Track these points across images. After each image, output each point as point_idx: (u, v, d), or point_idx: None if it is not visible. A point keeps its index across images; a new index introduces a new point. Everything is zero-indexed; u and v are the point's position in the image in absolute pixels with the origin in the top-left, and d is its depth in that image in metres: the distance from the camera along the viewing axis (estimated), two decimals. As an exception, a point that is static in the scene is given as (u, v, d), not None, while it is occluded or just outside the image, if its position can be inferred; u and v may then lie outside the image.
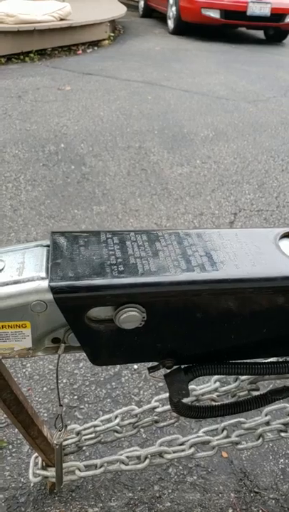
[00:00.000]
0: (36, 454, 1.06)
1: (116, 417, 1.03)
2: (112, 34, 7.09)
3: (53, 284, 0.56)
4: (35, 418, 0.91)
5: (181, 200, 2.54)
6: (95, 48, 6.53)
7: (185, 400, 0.75)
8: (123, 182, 2.71)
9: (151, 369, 0.69)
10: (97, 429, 1.03)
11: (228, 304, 0.62)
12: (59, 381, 1.42)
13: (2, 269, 0.61)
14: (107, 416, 1.04)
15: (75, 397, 1.37)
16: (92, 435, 1.03)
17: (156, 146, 3.23)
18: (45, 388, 1.39)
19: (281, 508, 1.11)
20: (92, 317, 0.60)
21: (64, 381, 1.42)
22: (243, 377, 0.93)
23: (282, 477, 1.18)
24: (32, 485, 1.13)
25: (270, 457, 1.22)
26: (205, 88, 4.77)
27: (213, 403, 0.90)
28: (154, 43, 7.06)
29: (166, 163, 2.99)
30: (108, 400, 1.36)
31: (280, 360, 0.73)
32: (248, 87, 4.94)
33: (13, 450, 1.21)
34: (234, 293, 0.61)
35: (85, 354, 0.65)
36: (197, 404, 0.91)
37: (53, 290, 0.56)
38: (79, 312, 0.58)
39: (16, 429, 1.21)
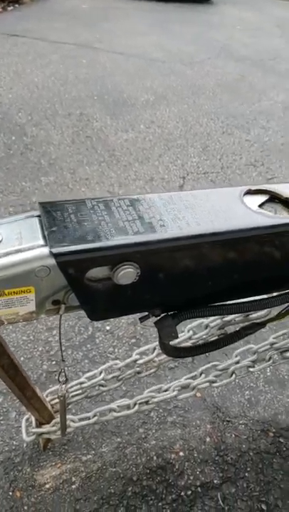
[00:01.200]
0: (27, 416, 1.13)
1: (100, 372, 1.11)
2: (34, -10, 6.65)
3: (54, 249, 0.61)
4: (29, 380, 0.96)
5: (130, 166, 2.58)
6: (16, 5, 6.11)
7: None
8: (69, 150, 2.69)
9: (141, 319, 0.77)
10: (84, 385, 1.11)
11: (207, 255, 0.71)
12: (35, 350, 1.48)
13: (1, 241, 0.65)
14: (91, 373, 1.12)
15: (53, 362, 1.43)
16: (79, 391, 1.11)
17: (97, 112, 3.20)
18: (22, 358, 1.44)
19: (250, 430, 1.28)
20: (91, 277, 0.66)
21: (40, 349, 1.47)
22: (212, 325, 1.04)
23: (248, 405, 1.35)
24: (25, 445, 1.20)
25: (237, 391, 1.38)
26: (139, 50, 4.71)
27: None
28: (80, 1, 6.75)
29: (110, 129, 2.99)
30: (86, 361, 1.44)
31: (249, 299, 0.84)
32: (182, 49, 4.95)
33: (0, 418, 1.27)
34: (212, 245, 0.70)
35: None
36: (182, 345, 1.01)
37: (55, 255, 0.61)
38: (79, 274, 0.64)
39: (0, 399, 1.26)
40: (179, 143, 2.92)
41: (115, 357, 1.47)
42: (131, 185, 2.41)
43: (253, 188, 0.81)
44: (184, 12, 6.89)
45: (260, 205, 0.80)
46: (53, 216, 0.67)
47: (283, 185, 0.84)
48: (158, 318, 0.77)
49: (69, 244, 0.62)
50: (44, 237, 0.65)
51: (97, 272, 0.67)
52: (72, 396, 1.12)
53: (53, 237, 0.63)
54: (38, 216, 0.69)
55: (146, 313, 0.77)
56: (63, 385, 0.88)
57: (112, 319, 1.58)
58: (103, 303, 0.71)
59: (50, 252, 0.61)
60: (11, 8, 5.89)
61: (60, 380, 0.87)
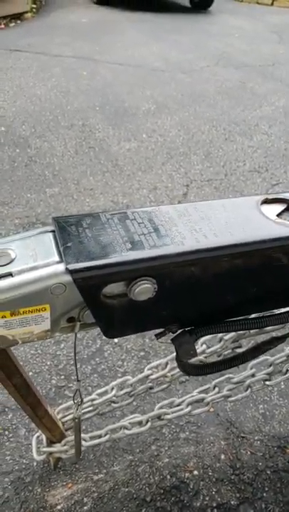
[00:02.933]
0: (38, 434, 1.10)
1: (112, 388, 1.08)
2: (34, 6, 6.73)
3: (70, 266, 0.58)
4: (41, 399, 0.93)
5: (134, 175, 2.57)
6: (18, 21, 6.19)
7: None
8: (72, 161, 2.68)
9: (158, 335, 0.74)
10: (95, 402, 1.07)
11: (226, 267, 0.68)
12: (43, 364, 1.44)
13: (14, 258, 0.62)
14: (103, 389, 1.09)
15: (62, 377, 1.40)
16: (91, 408, 1.07)
17: (99, 122, 3.20)
18: (30, 372, 1.41)
19: (266, 447, 1.24)
20: (107, 293, 0.64)
21: (48, 363, 1.44)
22: (226, 338, 1.01)
23: (263, 420, 1.31)
24: (35, 464, 1.16)
25: (251, 405, 1.34)
26: (139, 60, 4.74)
27: (213, 360, 0.98)
28: (80, 15, 6.82)
29: (112, 139, 2.98)
30: (95, 375, 1.41)
31: (269, 313, 0.82)
32: (181, 57, 4.97)
33: (10, 436, 1.23)
34: (231, 258, 0.67)
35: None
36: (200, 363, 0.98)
37: (71, 271, 0.58)
38: (95, 290, 0.62)
39: (10, 415, 1.23)
40: (182, 151, 2.91)
41: (124, 370, 1.44)
42: (135, 195, 2.40)
43: (270, 196, 0.79)
44: (181, 22, 6.94)
45: (279, 215, 0.78)
46: (67, 231, 0.65)
47: None
48: (175, 334, 0.74)
49: (85, 260, 0.60)
50: (59, 253, 0.62)
51: (113, 288, 0.64)
52: (84, 413, 1.09)
53: (69, 252, 0.60)
54: (52, 231, 0.67)
55: (163, 329, 0.74)
56: (78, 406, 0.85)
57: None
58: (119, 319, 0.68)
59: (66, 268, 0.59)
60: (13, 24, 5.96)
61: (75, 401, 0.83)
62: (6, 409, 1.29)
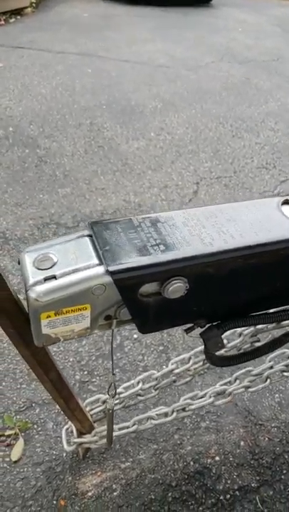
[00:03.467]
0: (67, 426, 1.16)
1: (138, 382, 1.13)
2: (34, 0, 6.71)
3: (111, 268, 0.64)
4: (73, 392, 0.99)
5: (144, 174, 2.61)
6: (18, 17, 6.19)
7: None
8: (82, 161, 2.72)
9: (187, 330, 0.80)
10: (122, 395, 1.13)
11: (251, 266, 0.73)
12: (66, 361, 1.50)
13: (56, 262, 0.68)
14: (128, 383, 1.14)
15: (85, 372, 1.46)
16: (118, 401, 1.13)
17: (107, 121, 3.24)
18: (54, 368, 1.47)
19: (283, 433, 1.30)
20: (143, 292, 0.69)
21: (71, 360, 1.50)
22: (245, 333, 1.07)
23: (279, 408, 1.37)
24: (65, 454, 1.23)
25: (267, 394, 1.40)
26: (144, 57, 4.76)
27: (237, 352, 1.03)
28: (81, 9, 6.81)
29: (121, 138, 3.02)
30: (116, 370, 1.47)
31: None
32: (185, 54, 4.99)
33: (39, 429, 1.29)
34: (257, 256, 0.72)
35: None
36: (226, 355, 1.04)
37: (112, 273, 0.64)
38: (133, 289, 0.67)
39: (37, 410, 1.29)
40: (190, 149, 2.95)
41: (145, 364, 1.50)
42: (146, 193, 2.45)
43: (290, 197, 0.84)
44: (184, 16, 6.93)
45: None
46: (104, 235, 0.70)
47: None
48: (203, 329, 0.79)
49: (124, 262, 0.65)
50: (98, 256, 0.67)
51: (148, 288, 0.69)
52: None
53: (108, 255, 0.66)
54: (88, 236, 0.72)
55: (192, 324, 0.80)
56: (112, 398, 0.91)
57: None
58: (153, 316, 0.73)
59: (107, 270, 0.64)
60: (13, 19, 5.96)
61: (110, 393, 0.89)
62: (34, 404, 1.35)
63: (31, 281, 0.65)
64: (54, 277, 0.65)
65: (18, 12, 6.10)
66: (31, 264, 0.68)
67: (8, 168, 2.57)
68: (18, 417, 1.31)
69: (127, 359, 1.51)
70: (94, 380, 1.44)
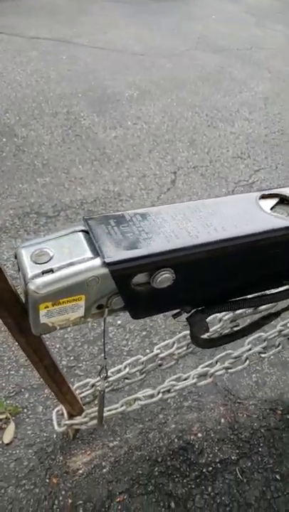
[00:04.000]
0: (57, 408, 1.21)
1: (125, 367, 1.19)
2: (7, -16, 6.51)
3: (108, 259, 0.69)
4: (65, 377, 1.05)
5: (122, 163, 2.65)
6: (-9, 0, 6.01)
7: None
8: (60, 150, 2.73)
9: (175, 315, 0.86)
10: (110, 379, 1.19)
11: (233, 256, 0.80)
12: (53, 347, 1.55)
13: (53, 256, 0.72)
14: (116, 367, 1.20)
15: (72, 357, 1.52)
16: (106, 384, 1.19)
17: (84, 110, 3.24)
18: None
19: (259, 410, 1.40)
20: (135, 282, 0.75)
21: (58, 346, 1.55)
22: (225, 318, 1.14)
23: (256, 387, 1.47)
24: (55, 436, 1.28)
25: (245, 374, 1.50)
26: (119, 44, 4.72)
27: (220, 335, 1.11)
28: (55, -6, 6.67)
29: (98, 127, 3.03)
30: (102, 354, 1.53)
31: (267, 293, 0.95)
32: (160, 42, 4.98)
33: (29, 413, 1.35)
34: (237, 247, 0.79)
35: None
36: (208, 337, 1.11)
37: (109, 264, 0.69)
38: (127, 279, 0.73)
39: (26, 395, 1.34)
40: (167, 138, 2.99)
41: (129, 349, 1.57)
42: (125, 183, 2.48)
43: (266, 192, 0.91)
44: (158, 2, 6.87)
45: (273, 207, 0.90)
46: (99, 229, 0.75)
47: None
48: (189, 314, 0.86)
49: (119, 254, 0.70)
50: (92, 249, 0.72)
51: (139, 278, 0.75)
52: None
53: (104, 248, 0.71)
54: (81, 231, 0.77)
55: (178, 310, 0.86)
56: (104, 380, 0.97)
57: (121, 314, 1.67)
58: (144, 304, 0.79)
59: (104, 262, 0.69)
60: (-16, 2, 5.78)
61: (101, 375, 0.95)
62: (22, 390, 1.40)
63: (30, 274, 0.69)
64: (51, 271, 0.70)
65: (-12, -6, 5.90)
66: (29, 258, 0.72)
67: (-15, 158, 2.55)
68: (8, 402, 1.35)
69: (112, 344, 1.57)
70: (80, 365, 1.50)
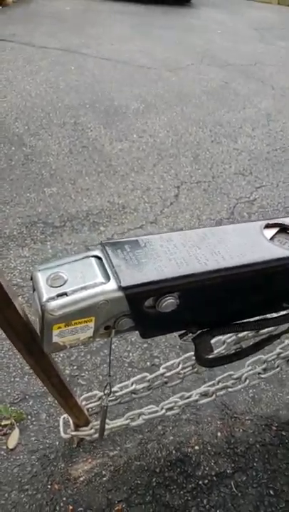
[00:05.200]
0: (64, 416, 1.26)
1: (132, 383, 1.24)
2: (16, -10, 6.62)
3: (124, 284, 0.74)
4: (72, 392, 1.09)
5: (127, 176, 2.71)
6: (0, 7, 6.11)
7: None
8: (67, 161, 2.79)
9: (181, 336, 0.91)
10: (117, 394, 1.23)
11: (238, 282, 0.85)
12: (57, 356, 1.60)
13: (67, 280, 0.77)
14: (124, 383, 1.25)
15: (75, 367, 1.56)
16: (113, 398, 1.24)
17: (91, 121, 3.31)
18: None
19: (256, 425, 1.45)
20: (147, 305, 0.80)
21: (61, 355, 1.60)
22: (228, 340, 1.19)
23: (252, 403, 1.52)
24: (58, 443, 1.33)
25: (242, 390, 1.54)
26: (125, 56, 4.82)
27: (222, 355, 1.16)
28: (63, 3, 6.77)
29: (105, 138, 3.10)
30: (104, 365, 1.58)
31: (267, 317, 1.00)
32: (166, 54, 5.08)
33: (33, 420, 1.39)
34: (242, 274, 0.84)
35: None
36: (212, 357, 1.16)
37: (126, 288, 0.74)
38: (140, 302, 0.78)
39: (31, 402, 1.39)
40: (171, 152, 3.06)
41: (130, 360, 1.61)
42: (129, 195, 2.54)
43: (270, 222, 0.97)
44: (164, 15, 7.00)
45: (275, 236, 0.95)
46: (115, 255, 0.80)
47: None
48: (195, 334, 0.91)
49: (134, 279, 0.76)
50: (103, 274, 0.77)
51: (150, 301, 0.80)
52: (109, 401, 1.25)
53: (121, 273, 0.76)
54: (94, 256, 0.82)
55: (185, 330, 0.92)
56: (108, 397, 1.02)
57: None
58: (153, 325, 0.85)
59: (120, 286, 0.74)
60: (-5, 9, 5.88)
61: (105, 392, 1.00)
62: (27, 397, 1.45)
63: (46, 297, 0.75)
64: (65, 294, 0.75)
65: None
66: (45, 281, 0.77)
67: (-6, 166, 2.61)
68: (12, 408, 1.40)
69: (114, 355, 1.62)
70: (83, 374, 1.54)
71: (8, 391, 1.45)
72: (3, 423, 1.35)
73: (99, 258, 0.81)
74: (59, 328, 0.77)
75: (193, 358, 1.11)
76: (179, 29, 6.32)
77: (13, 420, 1.36)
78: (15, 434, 1.33)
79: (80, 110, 3.44)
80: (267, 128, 3.65)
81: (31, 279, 0.80)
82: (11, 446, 1.30)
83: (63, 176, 2.63)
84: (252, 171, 2.98)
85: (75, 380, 1.52)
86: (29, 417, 1.39)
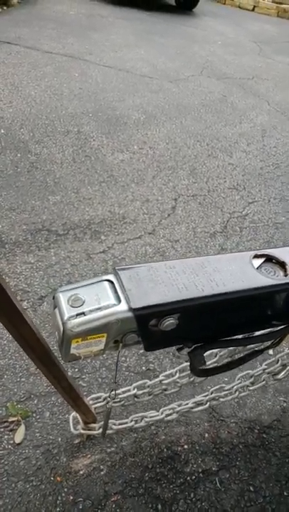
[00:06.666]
0: (73, 414, 1.39)
1: (134, 388, 1.37)
2: (21, -8, 6.71)
3: (134, 306, 0.88)
4: (80, 393, 1.23)
5: (128, 187, 2.84)
6: (4, 7, 6.20)
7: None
8: (71, 170, 2.91)
9: (178, 349, 1.05)
10: (120, 396, 1.37)
11: (230, 305, 1.00)
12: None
13: (84, 301, 0.91)
14: (126, 388, 1.38)
15: (76, 369, 1.69)
16: (118, 400, 1.37)
17: (94, 130, 3.43)
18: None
19: (240, 428, 1.60)
20: (151, 324, 0.94)
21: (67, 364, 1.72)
22: (221, 353, 1.34)
23: (238, 407, 1.66)
24: (60, 439, 1.46)
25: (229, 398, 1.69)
26: (128, 64, 4.95)
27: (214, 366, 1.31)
28: (68, 6, 6.88)
29: (106, 148, 3.23)
30: (103, 368, 1.71)
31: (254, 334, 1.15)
32: (168, 64, 5.22)
33: (38, 417, 1.52)
34: (233, 299, 0.99)
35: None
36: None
37: (135, 310, 0.88)
38: (146, 321, 0.92)
39: (35, 401, 1.52)
40: (170, 165, 3.20)
41: (127, 365, 1.75)
42: (129, 206, 2.68)
43: (259, 253, 1.11)
44: (167, 23, 7.14)
45: (262, 265, 1.10)
46: (126, 279, 0.94)
47: (280, 250, 1.14)
48: (190, 349, 1.05)
49: (142, 301, 0.89)
50: (115, 297, 0.91)
51: (154, 320, 0.94)
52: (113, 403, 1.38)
53: (131, 296, 0.90)
54: (106, 280, 0.95)
55: (181, 345, 1.06)
56: (112, 400, 1.16)
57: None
58: (155, 340, 0.98)
59: (130, 307, 0.88)
60: (0, 10, 5.96)
61: (110, 396, 1.14)
62: (32, 396, 1.57)
63: (67, 316, 0.88)
64: (83, 313, 0.89)
65: (4, 2, 6.09)
66: (66, 302, 0.91)
67: (1, 172, 2.72)
68: (19, 406, 1.52)
69: (112, 360, 1.75)
70: (84, 376, 1.67)
71: (15, 390, 1.57)
72: (10, 419, 1.47)
73: (111, 282, 0.95)
74: (76, 342, 0.91)
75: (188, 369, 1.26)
76: (181, 38, 6.47)
77: (20, 417, 1.48)
78: (21, 430, 1.45)
79: (83, 118, 3.57)
80: (261, 143, 3.81)
81: (53, 298, 0.94)
82: (17, 441, 1.42)
83: (67, 184, 2.76)
84: (245, 186, 3.14)
85: (76, 382, 1.64)
86: (34, 414, 1.52)
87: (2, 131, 3.16)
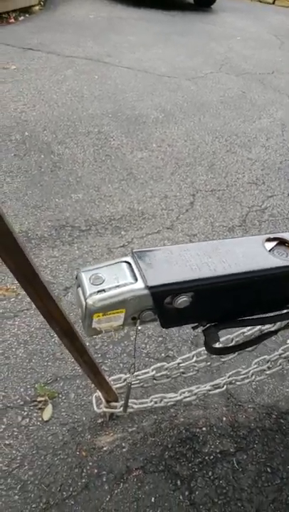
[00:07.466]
0: (96, 394, 1.48)
1: (153, 370, 1.45)
2: (42, -2, 6.90)
3: (150, 283, 0.96)
4: (102, 371, 1.31)
5: (146, 184, 2.92)
6: (27, 15, 6.39)
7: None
8: (92, 169, 3.02)
9: (194, 328, 1.12)
10: (139, 378, 1.45)
11: (242, 285, 1.06)
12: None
13: (104, 280, 0.99)
14: (144, 370, 1.46)
15: (99, 355, 1.78)
16: (137, 381, 1.45)
17: (113, 130, 3.53)
18: (73, 352, 1.78)
19: (257, 413, 1.65)
20: (167, 301, 1.01)
21: (87, 344, 1.81)
22: (237, 339, 1.40)
23: (255, 394, 1.71)
24: (85, 418, 1.55)
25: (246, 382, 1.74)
26: (146, 64, 5.03)
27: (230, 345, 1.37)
28: (87, 10, 7.02)
29: (126, 147, 3.32)
30: (124, 354, 1.79)
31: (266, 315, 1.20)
32: (186, 63, 5.27)
33: (63, 398, 1.61)
34: (245, 279, 1.05)
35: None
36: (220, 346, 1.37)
37: (151, 287, 0.95)
38: (162, 298, 0.99)
39: (61, 383, 1.61)
40: (188, 161, 3.26)
41: (147, 352, 1.83)
42: (148, 202, 2.76)
43: (271, 236, 1.16)
44: (186, 22, 7.19)
45: (274, 248, 1.15)
46: (143, 260, 1.02)
47: None
48: (205, 327, 1.12)
49: (158, 280, 0.97)
50: (132, 276, 0.99)
51: (169, 298, 1.01)
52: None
53: (148, 275, 0.97)
54: (124, 262, 1.03)
55: (197, 324, 1.12)
56: (132, 375, 1.24)
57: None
58: (171, 317, 1.06)
59: (146, 285, 0.96)
60: (22, 18, 6.15)
61: (131, 370, 1.22)
62: (58, 379, 1.67)
63: (89, 292, 0.97)
64: (104, 290, 0.97)
65: (26, 10, 6.28)
66: (88, 280, 0.99)
67: (26, 172, 2.85)
68: (46, 387, 1.62)
69: (133, 346, 1.83)
70: (106, 361, 1.76)
71: (42, 373, 1.67)
72: (38, 399, 1.57)
73: (128, 263, 1.03)
74: (98, 316, 0.99)
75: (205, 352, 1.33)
76: (199, 36, 6.51)
77: (47, 397, 1.58)
78: (49, 409, 1.55)
79: (103, 119, 3.67)
80: (281, 138, 3.82)
81: (76, 277, 1.02)
82: (45, 419, 1.52)
83: (88, 183, 2.86)
84: (264, 180, 3.16)
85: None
86: (60, 395, 1.61)
87: (26, 133, 3.29)
